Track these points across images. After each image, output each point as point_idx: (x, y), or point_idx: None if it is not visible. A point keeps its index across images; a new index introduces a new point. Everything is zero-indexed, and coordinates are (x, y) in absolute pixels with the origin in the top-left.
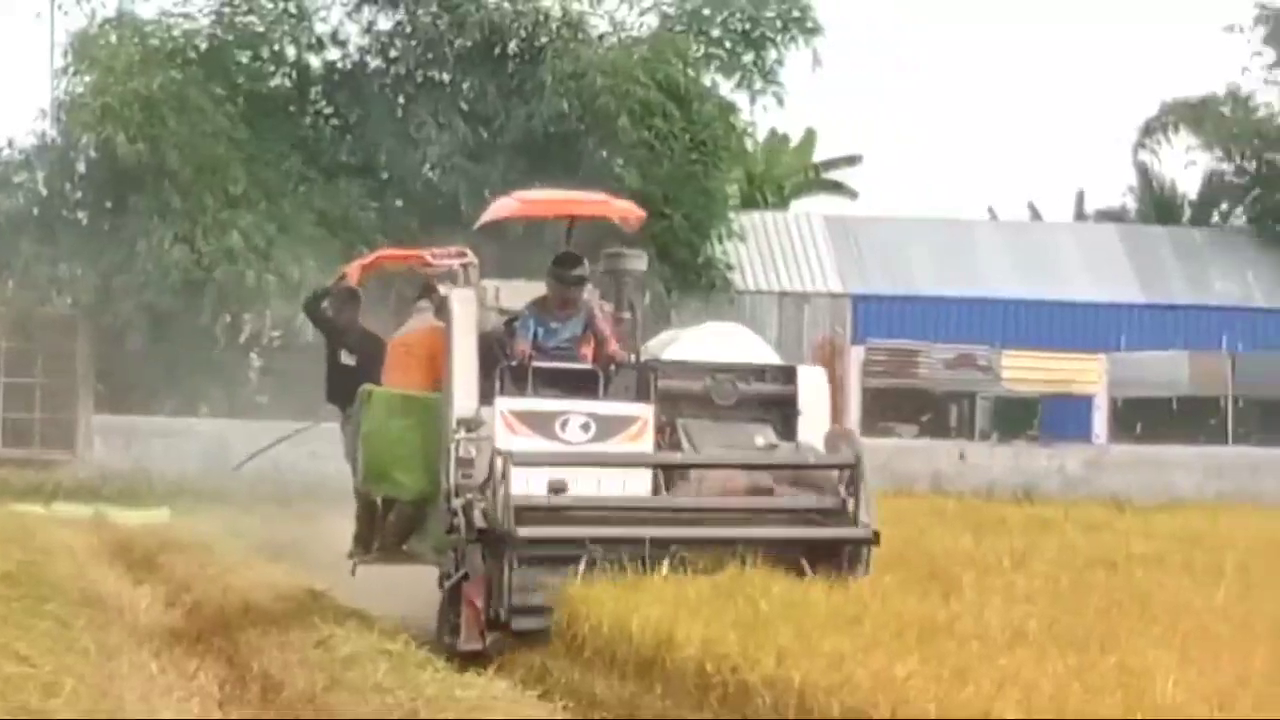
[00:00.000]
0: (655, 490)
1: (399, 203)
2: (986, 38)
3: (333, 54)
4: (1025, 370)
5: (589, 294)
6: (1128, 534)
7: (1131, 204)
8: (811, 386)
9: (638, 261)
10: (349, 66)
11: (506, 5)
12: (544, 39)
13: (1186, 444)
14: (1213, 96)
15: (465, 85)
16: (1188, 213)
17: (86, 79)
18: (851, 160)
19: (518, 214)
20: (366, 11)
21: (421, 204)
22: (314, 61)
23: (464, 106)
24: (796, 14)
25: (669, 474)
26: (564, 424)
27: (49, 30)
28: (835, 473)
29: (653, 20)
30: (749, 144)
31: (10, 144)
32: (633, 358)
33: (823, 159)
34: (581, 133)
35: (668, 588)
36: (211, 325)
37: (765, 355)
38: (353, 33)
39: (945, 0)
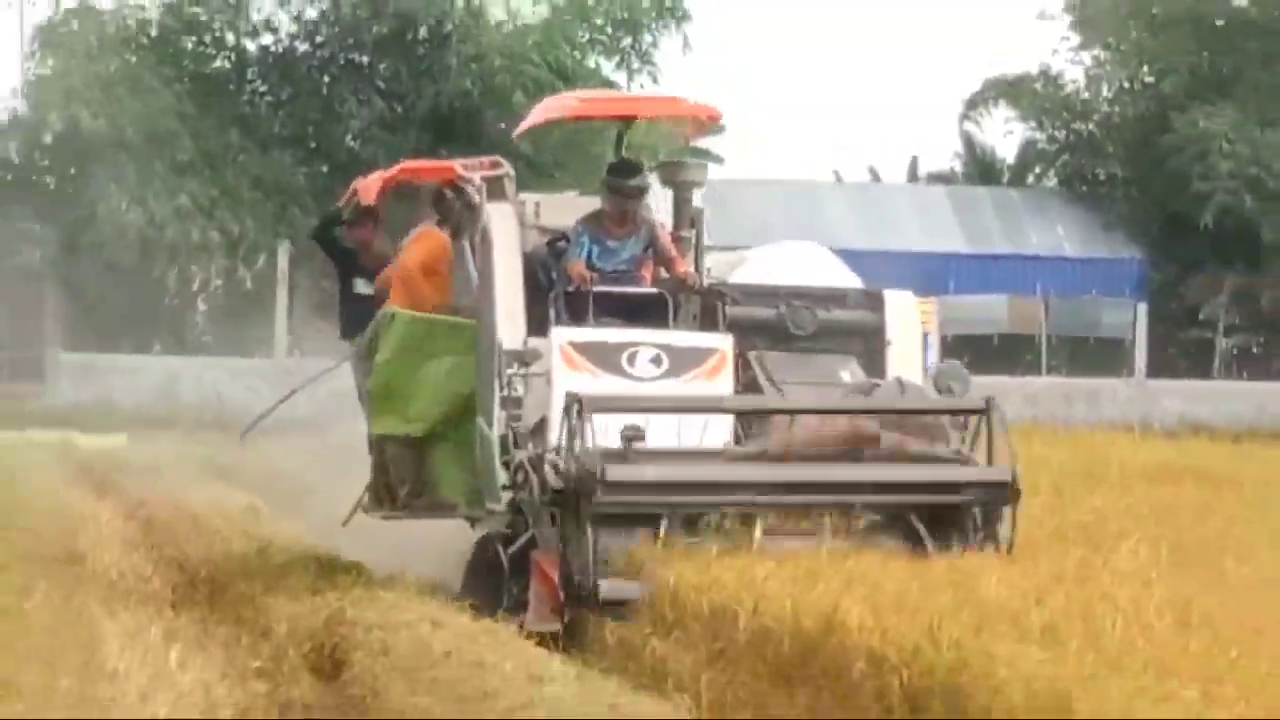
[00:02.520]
0: (736, 435)
1: (324, 169)
2: (834, 17)
3: (266, 39)
4: None
5: (648, 208)
6: None
7: (959, 168)
8: (901, 314)
9: (699, 172)
10: (280, 50)
11: None
12: (449, 26)
13: (1006, 375)
14: (1028, 75)
15: (382, 67)
16: (1006, 176)
17: (51, 62)
18: (717, 130)
19: (575, 114)
20: (295, 1)
21: (344, 170)
22: (250, 46)
23: (380, 85)
24: (669, 4)
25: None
26: (631, 358)
27: (18, 18)
28: (946, 418)
29: (544, 10)
30: None
31: None
32: (705, 281)
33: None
34: (482, 108)
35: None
36: (163, 276)
37: (845, 278)
38: (284, 21)
39: None
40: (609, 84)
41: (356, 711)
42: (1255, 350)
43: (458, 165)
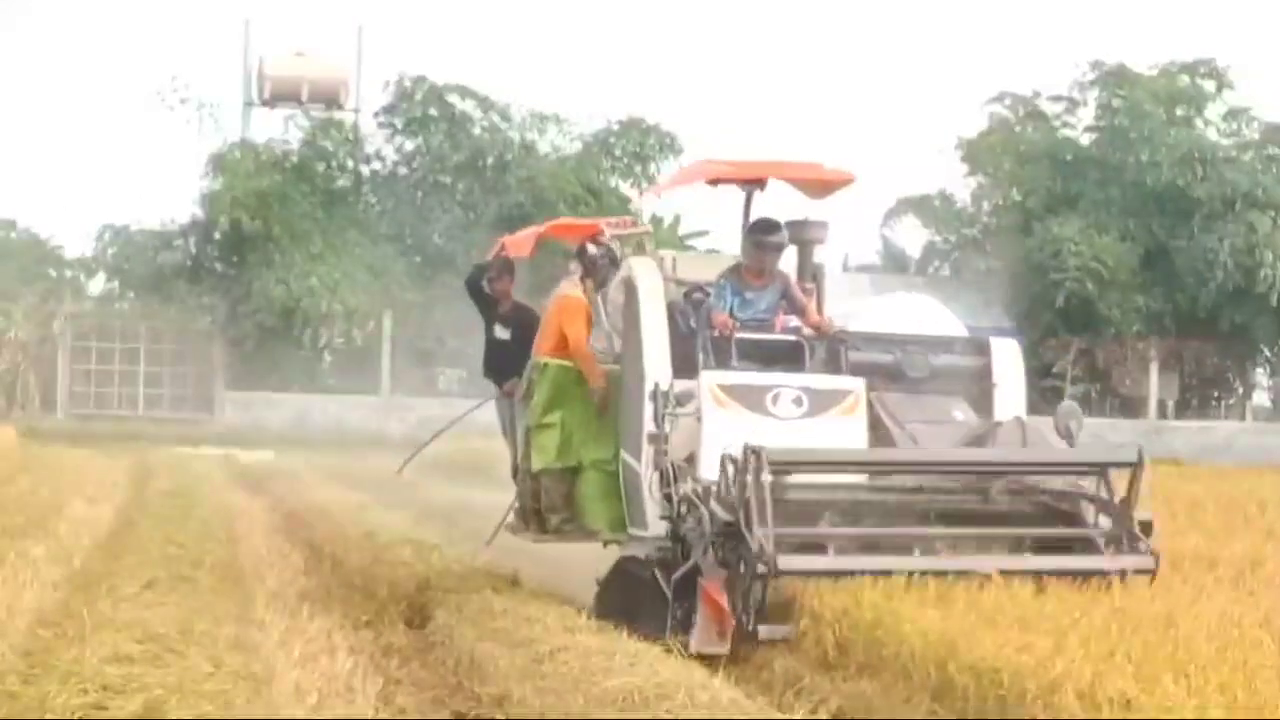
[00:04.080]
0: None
1: (417, 259)
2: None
3: (376, 165)
4: None
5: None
6: None
7: (879, 261)
8: (1006, 359)
9: (821, 230)
10: (386, 173)
11: (485, 135)
12: (509, 156)
13: None
14: (929, 194)
15: (459, 185)
16: (913, 267)
17: (221, 180)
18: (702, 234)
19: (720, 177)
20: (397, 139)
21: (432, 260)
22: (364, 170)
23: (458, 198)
24: (668, 141)
25: (880, 443)
26: (775, 398)
27: (197, 147)
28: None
29: (578, 145)
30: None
31: (173, 220)
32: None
33: (684, 231)
34: (533, 215)
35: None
36: (300, 335)
37: (953, 327)
38: (389, 151)
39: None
40: (623, 198)
41: (437, 653)
42: (1093, 395)
43: (603, 223)
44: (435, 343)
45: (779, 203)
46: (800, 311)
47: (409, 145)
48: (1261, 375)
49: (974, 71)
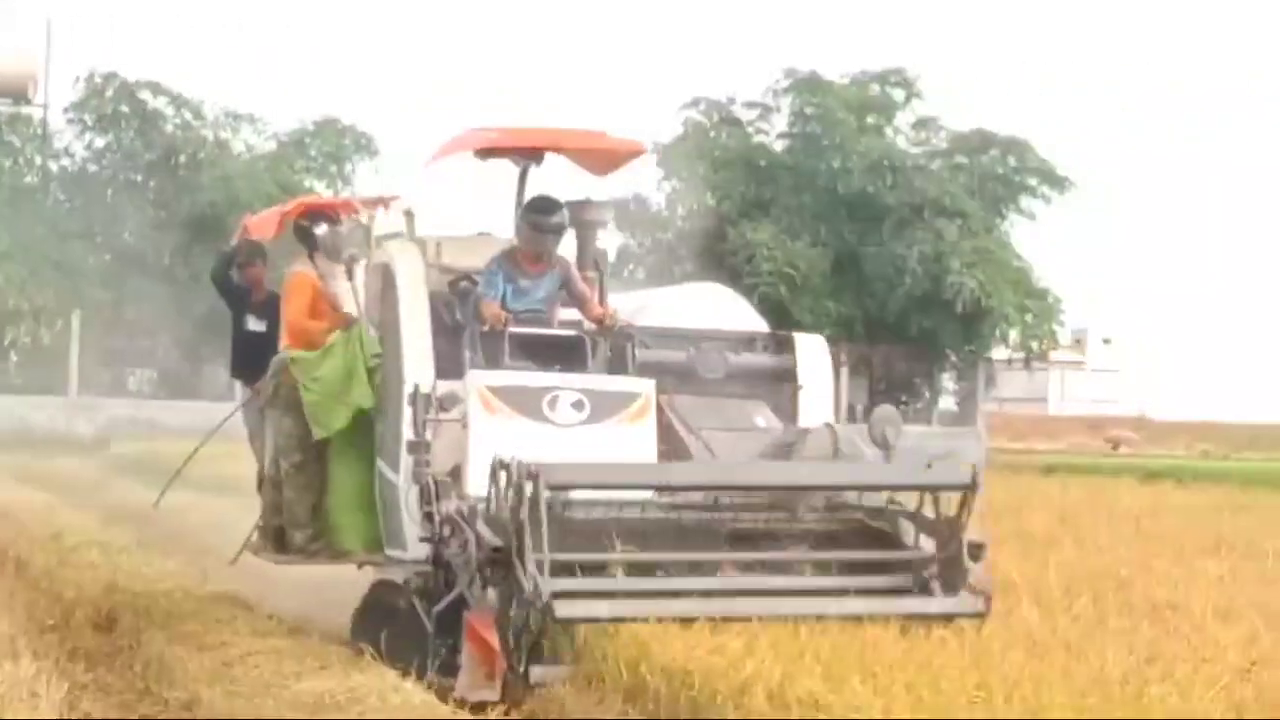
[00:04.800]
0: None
1: (107, 257)
2: None
3: (65, 161)
4: None
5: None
6: None
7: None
8: (812, 357)
9: (604, 211)
10: (75, 169)
11: (178, 133)
12: (202, 154)
13: None
14: (625, 198)
15: (152, 183)
16: (610, 270)
17: None
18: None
19: (493, 145)
20: (87, 135)
21: (123, 259)
22: (53, 166)
23: (150, 196)
24: (364, 141)
25: (673, 453)
26: (553, 402)
27: None
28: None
29: (272, 145)
30: None
31: None
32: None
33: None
34: (227, 214)
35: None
36: None
37: (752, 321)
38: (78, 148)
39: None
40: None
41: (124, 657)
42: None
43: (355, 201)
44: (126, 342)
45: (555, 183)
46: (582, 302)
47: (99, 142)
48: (948, 380)
49: (669, 77)
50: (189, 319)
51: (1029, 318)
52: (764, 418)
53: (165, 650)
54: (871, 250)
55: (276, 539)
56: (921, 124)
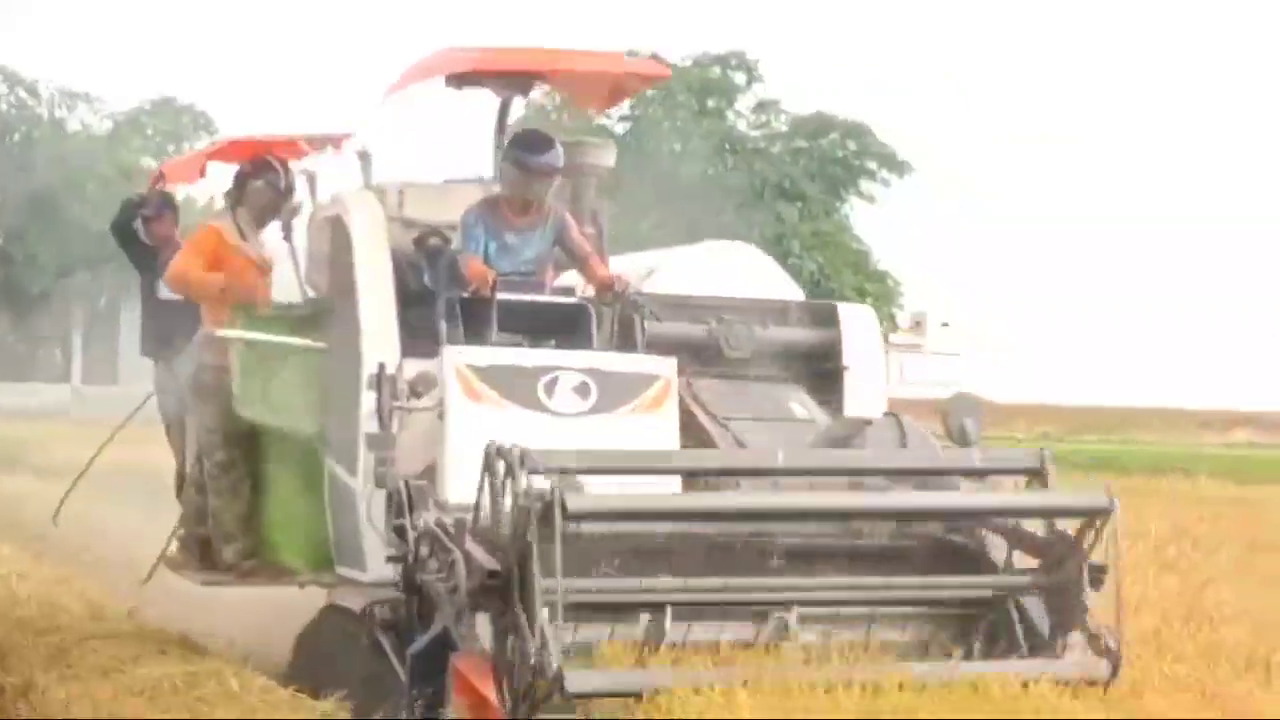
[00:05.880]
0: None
1: None
2: None
3: None
4: None
5: (555, 196)
6: None
7: None
8: (860, 332)
9: (604, 154)
10: None
11: (12, 111)
12: (36, 133)
13: None
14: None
15: None
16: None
17: None
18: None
19: (476, 67)
20: None
21: None
22: None
23: None
24: (202, 121)
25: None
26: (550, 386)
27: None
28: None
29: (109, 124)
30: None
31: None
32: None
33: None
34: (60, 192)
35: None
36: None
37: (785, 287)
38: None
39: None
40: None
41: None
42: None
43: (300, 140)
44: None
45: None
46: (582, 262)
47: None
48: None
49: None
50: (24, 299)
51: (868, 300)
52: (801, 405)
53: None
54: (712, 233)
55: (201, 553)
56: (762, 107)
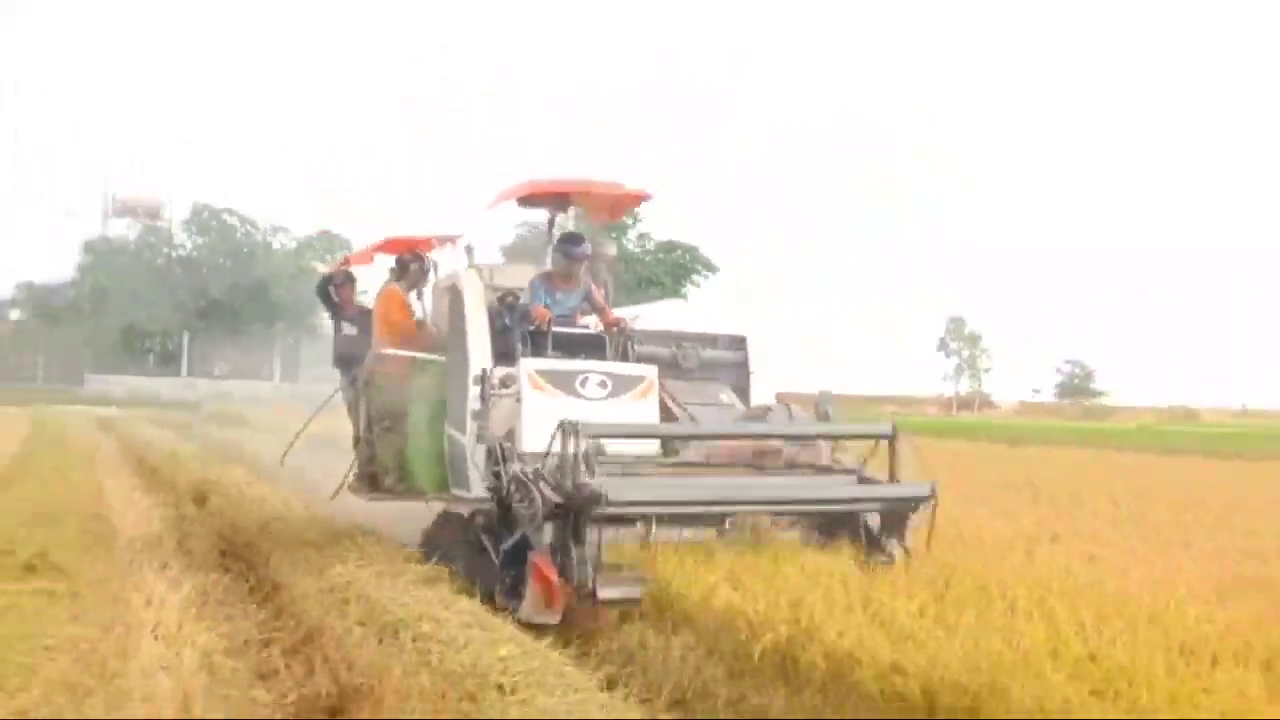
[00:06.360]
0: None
1: (202, 303)
2: None
3: (179, 253)
4: None
5: (584, 271)
6: None
7: None
8: (759, 352)
9: (610, 247)
10: (185, 256)
11: (242, 235)
12: (259, 251)
13: None
14: None
15: (228, 264)
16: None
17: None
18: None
19: (531, 191)
20: (192, 238)
21: (212, 307)
22: (173, 254)
23: (227, 274)
24: (345, 246)
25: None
26: (583, 382)
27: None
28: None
29: (294, 243)
30: None
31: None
32: (627, 326)
33: None
34: (270, 281)
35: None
36: (136, 343)
37: (713, 326)
38: (187, 245)
39: None
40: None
41: (211, 522)
42: None
43: (432, 239)
44: (208, 348)
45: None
46: (599, 311)
47: (199, 241)
48: None
49: None
50: (246, 336)
51: None
52: (727, 396)
53: (232, 515)
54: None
55: (370, 482)
56: (641, 236)
